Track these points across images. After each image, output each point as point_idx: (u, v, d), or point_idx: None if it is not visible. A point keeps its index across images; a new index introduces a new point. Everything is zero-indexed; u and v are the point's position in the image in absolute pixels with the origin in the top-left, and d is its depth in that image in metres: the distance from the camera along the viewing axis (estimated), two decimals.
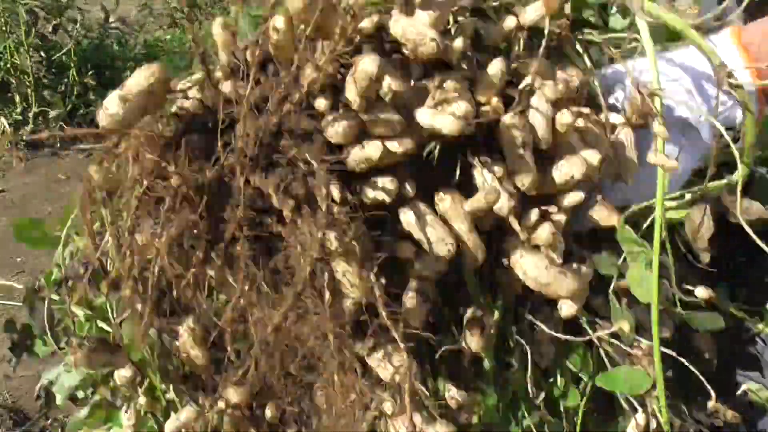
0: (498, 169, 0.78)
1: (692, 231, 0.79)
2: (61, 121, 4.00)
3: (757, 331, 0.94)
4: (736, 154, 0.75)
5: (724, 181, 0.80)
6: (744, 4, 1.07)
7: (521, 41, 0.82)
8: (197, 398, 0.89)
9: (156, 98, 0.74)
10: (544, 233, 0.77)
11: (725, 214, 0.81)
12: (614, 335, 0.83)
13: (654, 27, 0.75)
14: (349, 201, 0.73)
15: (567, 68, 0.82)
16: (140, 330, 0.81)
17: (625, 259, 0.79)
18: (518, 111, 0.75)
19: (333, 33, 0.70)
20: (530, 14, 0.79)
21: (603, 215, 0.79)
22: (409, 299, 0.78)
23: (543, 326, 0.83)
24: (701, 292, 0.81)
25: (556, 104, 0.79)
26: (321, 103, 0.74)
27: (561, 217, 0.78)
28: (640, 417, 0.83)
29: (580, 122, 0.78)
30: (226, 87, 0.78)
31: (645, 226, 0.78)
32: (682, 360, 0.80)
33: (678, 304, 0.82)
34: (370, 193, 0.75)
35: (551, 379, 0.90)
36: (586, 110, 0.81)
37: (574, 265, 0.80)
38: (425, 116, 0.73)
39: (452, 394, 0.81)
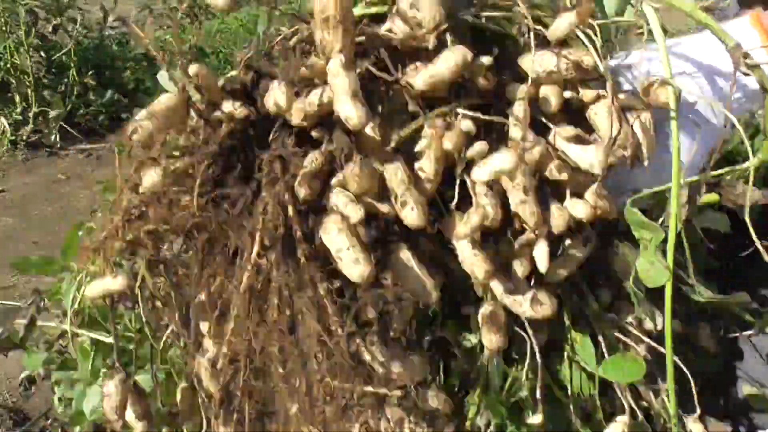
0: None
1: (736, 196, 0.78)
2: (61, 121, 3.99)
3: (759, 328, 0.94)
4: (747, 143, 0.74)
5: (737, 168, 0.78)
6: None
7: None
8: None
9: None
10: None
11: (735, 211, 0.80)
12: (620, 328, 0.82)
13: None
14: None
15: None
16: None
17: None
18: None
19: None
20: (561, 26, 0.77)
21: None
22: None
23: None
24: None
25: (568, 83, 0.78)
26: None
27: None
28: (622, 419, 0.83)
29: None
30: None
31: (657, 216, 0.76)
32: (680, 363, 0.79)
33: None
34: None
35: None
36: (603, 92, 0.79)
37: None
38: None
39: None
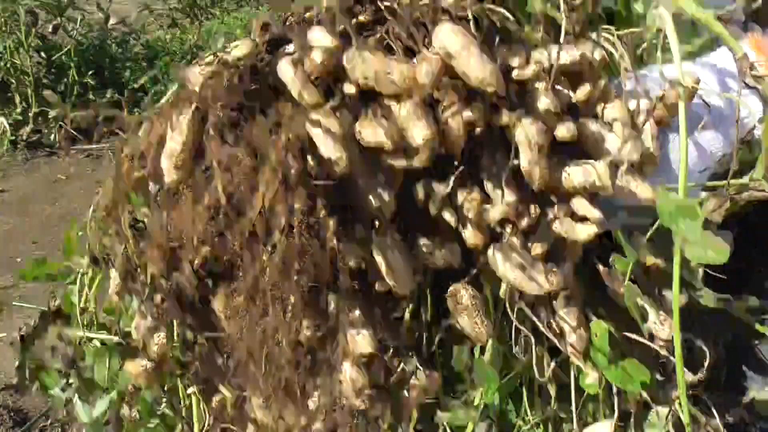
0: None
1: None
2: (61, 121, 4.00)
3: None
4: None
5: (745, 178, 0.78)
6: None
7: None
8: None
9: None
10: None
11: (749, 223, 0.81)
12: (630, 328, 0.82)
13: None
14: None
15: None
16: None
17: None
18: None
19: None
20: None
21: (643, 190, 0.77)
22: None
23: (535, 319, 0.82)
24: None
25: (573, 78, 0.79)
26: None
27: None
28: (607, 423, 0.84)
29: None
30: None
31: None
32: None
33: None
34: None
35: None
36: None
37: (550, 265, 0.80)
38: None
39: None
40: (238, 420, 0.88)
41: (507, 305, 0.83)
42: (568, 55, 0.77)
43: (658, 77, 0.80)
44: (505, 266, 0.77)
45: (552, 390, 0.89)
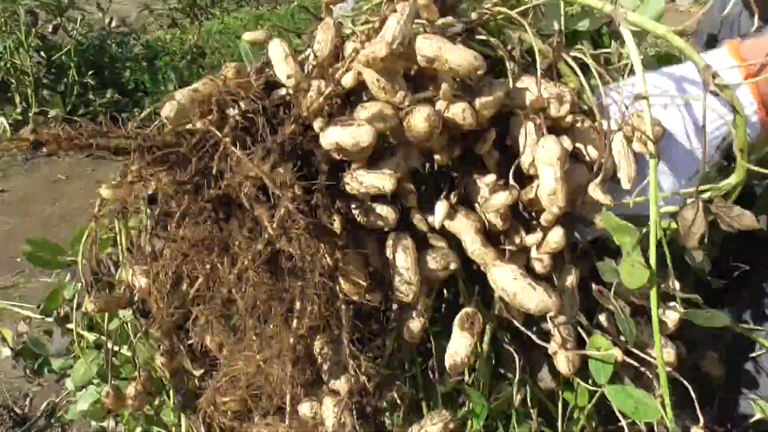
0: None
1: (684, 229, 0.78)
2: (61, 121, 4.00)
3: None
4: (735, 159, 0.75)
5: (720, 184, 0.79)
6: (727, 10, 1.08)
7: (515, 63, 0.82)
8: None
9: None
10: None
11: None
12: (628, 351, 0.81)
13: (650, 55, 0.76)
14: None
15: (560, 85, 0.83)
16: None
17: None
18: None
19: None
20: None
21: (598, 194, 0.79)
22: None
23: (533, 336, 0.83)
24: (672, 316, 0.81)
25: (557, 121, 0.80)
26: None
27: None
28: None
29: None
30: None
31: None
32: (684, 382, 0.79)
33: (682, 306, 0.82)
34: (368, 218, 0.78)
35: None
36: (580, 117, 0.81)
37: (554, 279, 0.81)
38: None
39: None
40: None
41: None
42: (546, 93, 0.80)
43: (629, 91, 0.81)
44: (507, 281, 0.77)
45: (533, 414, 0.89)
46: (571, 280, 0.82)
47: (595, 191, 0.77)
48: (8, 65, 4.04)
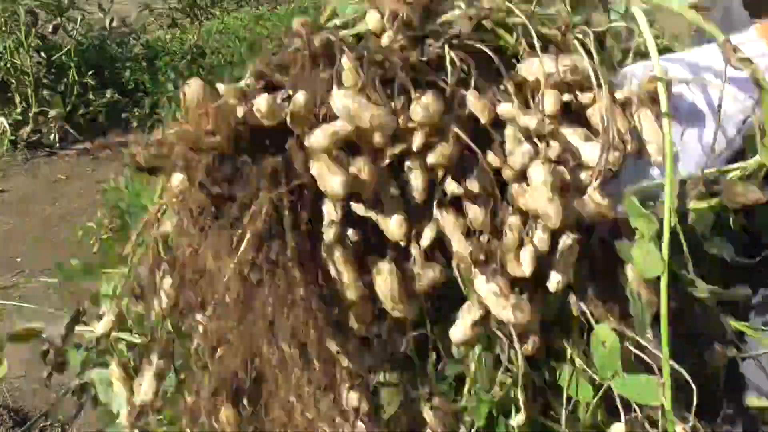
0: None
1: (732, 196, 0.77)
2: (62, 121, 4.00)
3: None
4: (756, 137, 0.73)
5: (740, 164, 0.78)
6: None
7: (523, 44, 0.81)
8: None
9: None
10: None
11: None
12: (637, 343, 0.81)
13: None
14: None
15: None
16: None
17: None
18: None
19: None
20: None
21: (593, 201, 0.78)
22: None
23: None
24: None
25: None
26: None
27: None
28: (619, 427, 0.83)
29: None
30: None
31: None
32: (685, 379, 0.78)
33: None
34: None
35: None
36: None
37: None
38: None
39: None
40: None
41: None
42: (558, 65, 0.78)
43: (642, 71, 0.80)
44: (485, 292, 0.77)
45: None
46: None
47: (593, 194, 0.76)
48: (8, 65, 4.04)
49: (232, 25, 5.12)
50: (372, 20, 0.80)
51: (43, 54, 4.24)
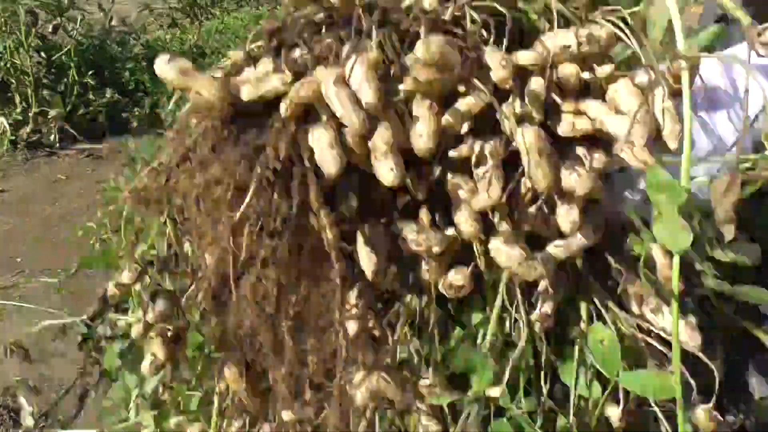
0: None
1: (715, 198, 0.74)
2: (62, 121, 4.00)
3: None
4: None
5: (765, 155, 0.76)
6: None
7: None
8: None
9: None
10: None
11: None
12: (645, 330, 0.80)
13: None
14: None
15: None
16: None
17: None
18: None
19: None
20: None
21: (634, 155, 0.75)
22: None
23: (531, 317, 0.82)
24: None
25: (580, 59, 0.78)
26: None
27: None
28: (614, 410, 0.82)
29: None
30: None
31: None
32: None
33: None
34: None
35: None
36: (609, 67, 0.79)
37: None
38: None
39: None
40: None
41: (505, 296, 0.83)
42: (576, 37, 0.76)
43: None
44: (505, 254, 0.77)
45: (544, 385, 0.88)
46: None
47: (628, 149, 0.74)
48: (8, 65, 4.04)
49: (232, 25, 5.12)
50: None
51: (43, 54, 4.24)
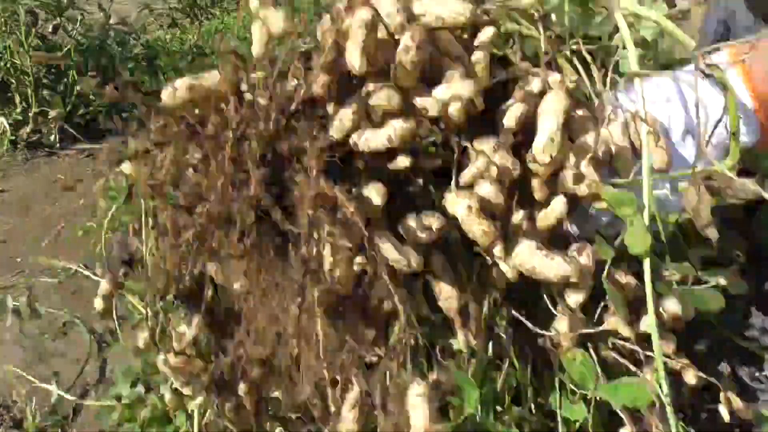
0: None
1: (692, 209, 0.78)
2: (61, 121, 3.99)
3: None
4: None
5: (716, 167, 0.79)
6: None
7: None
8: None
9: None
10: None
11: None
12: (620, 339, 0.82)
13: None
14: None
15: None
16: None
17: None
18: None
19: None
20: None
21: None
22: None
23: (528, 323, 0.83)
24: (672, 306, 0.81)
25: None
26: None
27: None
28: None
29: None
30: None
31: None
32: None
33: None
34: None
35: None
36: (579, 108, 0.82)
37: (571, 251, 0.81)
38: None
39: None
40: None
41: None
42: None
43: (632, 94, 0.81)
44: (527, 252, 0.78)
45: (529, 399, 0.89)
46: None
47: (588, 168, 0.77)
48: (8, 65, 4.03)
49: (232, 25, 5.12)
50: None
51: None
